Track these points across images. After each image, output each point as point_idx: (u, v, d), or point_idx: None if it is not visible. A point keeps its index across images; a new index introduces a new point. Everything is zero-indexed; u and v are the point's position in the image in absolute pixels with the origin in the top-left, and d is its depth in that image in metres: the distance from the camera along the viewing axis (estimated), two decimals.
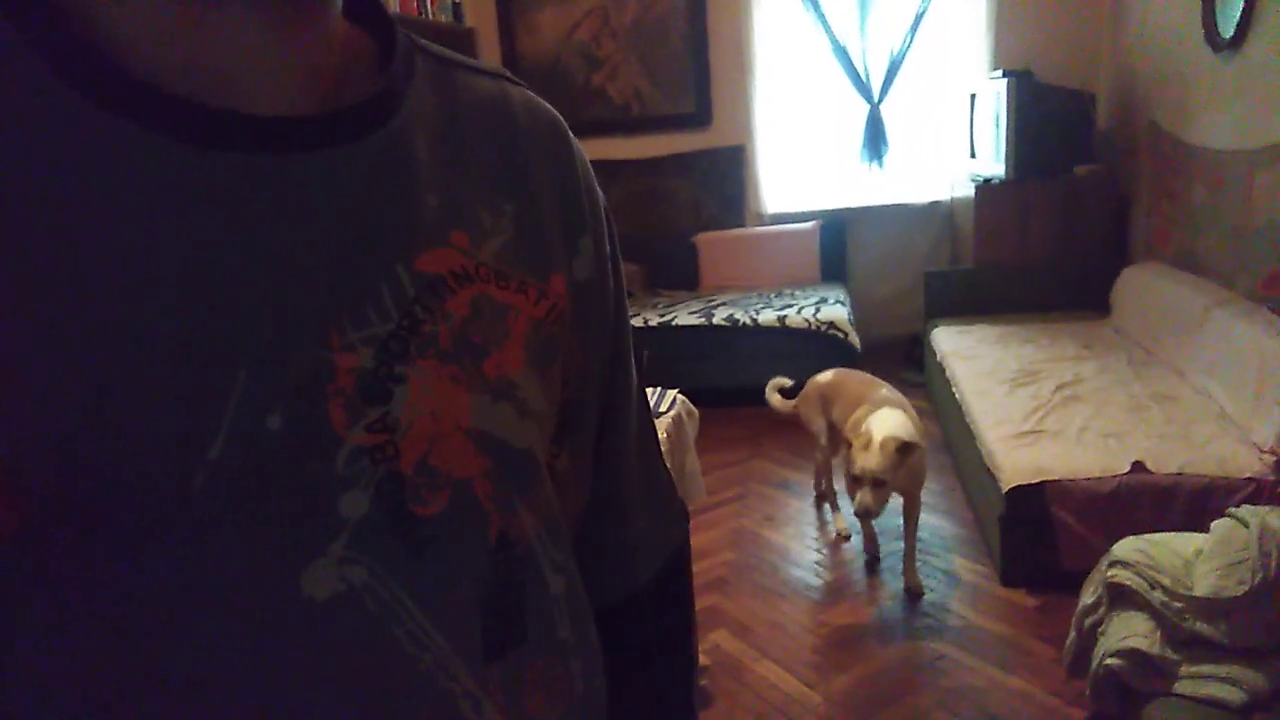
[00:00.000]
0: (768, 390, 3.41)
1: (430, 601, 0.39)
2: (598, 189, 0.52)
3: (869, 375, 3.09)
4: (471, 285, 0.41)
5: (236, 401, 0.34)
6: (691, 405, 2.54)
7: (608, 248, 0.51)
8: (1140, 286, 3.73)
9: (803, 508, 3.40)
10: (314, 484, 0.35)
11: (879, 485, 2.46)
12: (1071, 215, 4.09)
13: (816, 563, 2.99)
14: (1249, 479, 2.44)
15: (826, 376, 3.17)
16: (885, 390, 2.86)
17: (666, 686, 0.63)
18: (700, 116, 5.02)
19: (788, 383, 3.40)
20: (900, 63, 4.76)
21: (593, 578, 0.54)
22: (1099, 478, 2.55)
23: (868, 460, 2.45)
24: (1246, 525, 1.81)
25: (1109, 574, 1.89)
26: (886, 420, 2.56)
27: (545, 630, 0.45)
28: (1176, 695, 1.69)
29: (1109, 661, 1.77)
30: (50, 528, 0.32)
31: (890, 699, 2.27)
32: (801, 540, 3.16)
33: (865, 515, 2.50)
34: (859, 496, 2.47)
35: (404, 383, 0.38)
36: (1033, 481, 2.59)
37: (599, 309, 0.49)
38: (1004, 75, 4.00)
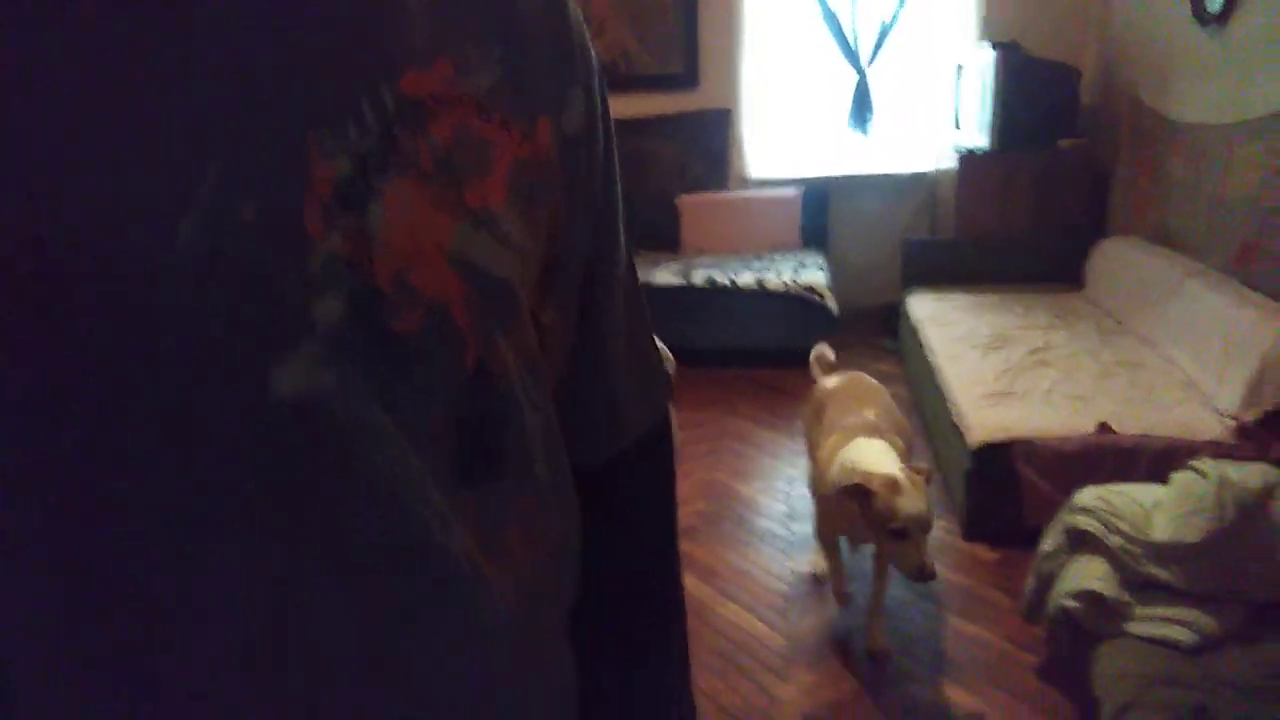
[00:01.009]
0: (812, 362, 2.78)
1: (403, 417, 0.38)
2: (590, 44, 0.51)
3: (875, 386, 2.49)
4: (454, 113, 0.40)
5: (209, 188, 0.33)
6: (668, 350, 2.55)
7: (598, 104, 0.50)
8: (1115, 259, 3.77)
9: (774, 464, 3.43)
10: (286, 282, 0.35)
11: (924, 533, 1.90)
12: (1052, 188, 4.12)
13: (784, 514, 3.02)
14: (1210, 441, 2.49)
15: (831, 383, 2.54)
16: (873, 414, 2.26)
17: (651, 548, 0.63)
18: (688, 78, 4.99)
19: (830, 356, 2.78)
20: (889, 31, 4.75)
21: (577, 437, 0.53)
22: (1065, 437, 2.59)
23: (917, 503, 1.87)
24: (1206, 476, 1.85)
25: (1070, 519, 1.93)
26: (872, 454, 2.04)
27: (522, 468, 0.45)
28: (1129, 635, 1.73)
29: (1065, 603, 1.82)
30: (14, 307, 0.31)
31: (848, 642, 2.31)
32: (770, 494, 3.19)
33: (929, 578, 1.89)
34: (914, 556, 1.85)
35: (381, 197, 0.37)
36: (1000, 439, 2.63)
37: (587, 165, 0.48)
38: (992, 46, 4.01)
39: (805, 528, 2.89)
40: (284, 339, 0.35)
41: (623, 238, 0.55)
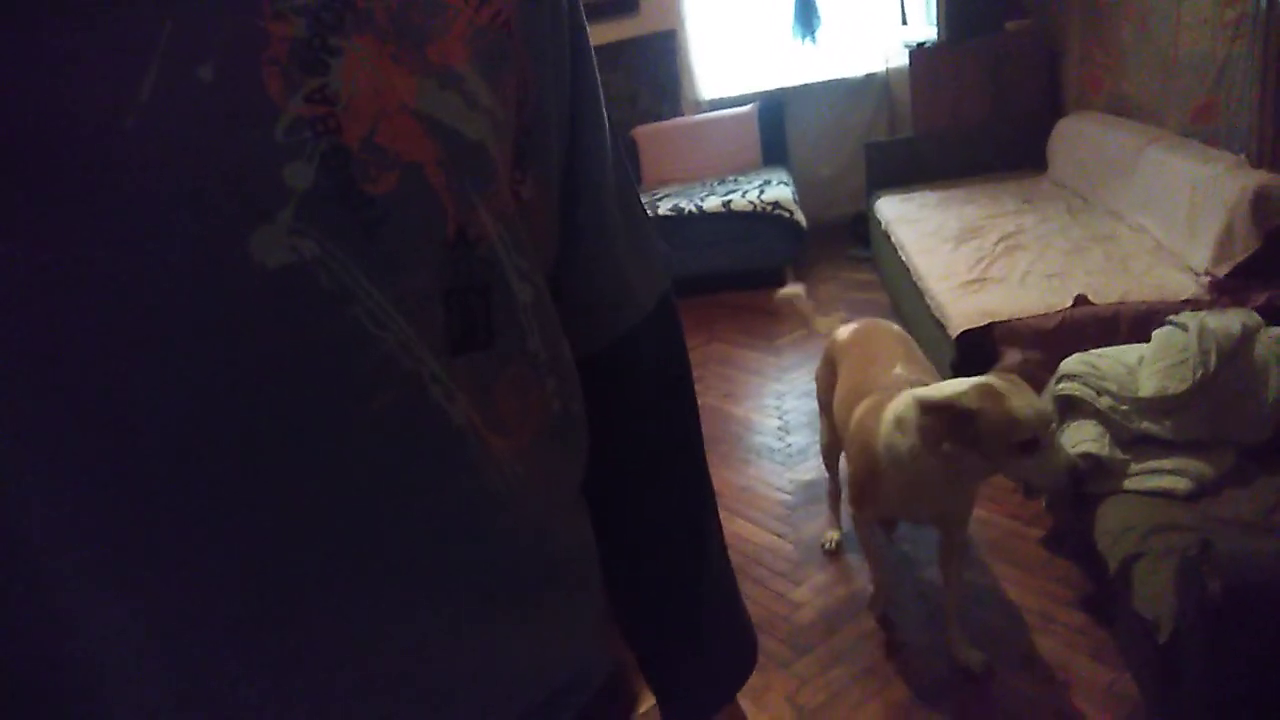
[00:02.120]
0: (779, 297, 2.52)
1: (388, 283, 0.38)
2: None
3: (896, 333, 2.11)
4: None
5: (164, 48, 0.33)
6: None
7: None
8: (1074, 137, 3.77)
9: (761, 382, 3.45)
10: (254, 149, 0.34)
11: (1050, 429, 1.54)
12: (1004, 73, 4.09)
13: (778, 428, 3.05)
14: (1186, 301, 2.52)
15: (846, 331, 2.17)
16: (903, 369, 1.88)
17: (671, 419, 0.61)
18: (628, 2, 4.87)
19: (799, 291, 2.54)
20: None
21: (582, 321, 0.53)
22: (1044, 314, 2.62)
23: (1032, 399, 1.52)
24: (1186, 329, 1.88)
25: (1058, 388, 1.95)
26: (943, 385, 1.66)
27: (515, 338, 0.44)
28: (1127, 492, 1.77)
29: None
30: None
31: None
32: (762, 411, 3.21)
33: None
34: (1058, 457, 1.49)
35: (340, 55, 0.36)
36: (980, 325, 2.65)
37: (551, 25, 0.47)
38: None
39: (800, 439, 2.92)
40: (260, 208, 0.34)
41: (603, 109, 0.53)
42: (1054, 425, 1.52)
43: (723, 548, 0.66)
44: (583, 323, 0.53)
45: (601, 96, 0.53)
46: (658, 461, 0.61)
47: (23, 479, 0.34)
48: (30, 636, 0.36)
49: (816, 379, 2.28)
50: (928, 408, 1.53)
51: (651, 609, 0.63)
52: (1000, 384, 1.53)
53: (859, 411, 1.82)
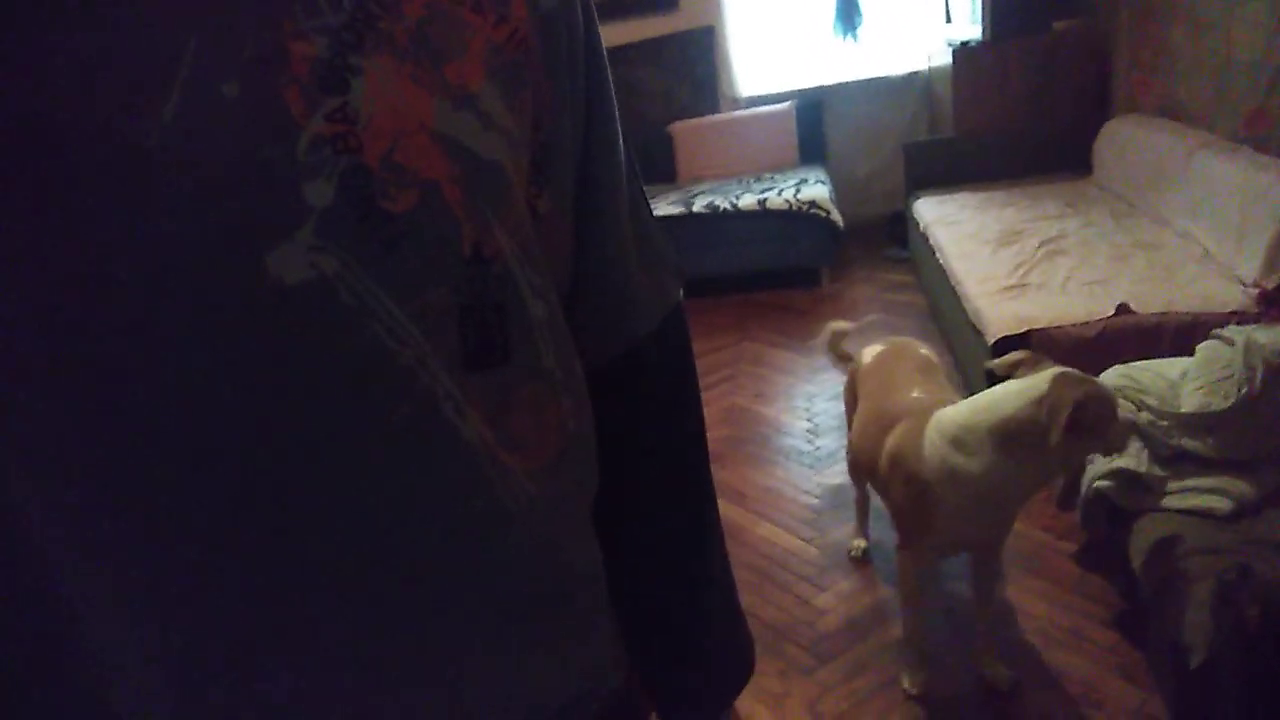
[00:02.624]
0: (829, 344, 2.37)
1: (406, 299, 0.38)
2: None
3: (924, 356, 2.04)
4: None
5: (189, 64, 0.33)
6: None
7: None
8: (1121, 140, 3.68)
9: (792, 383, 3.42)
10: (275, 167, 0.35)
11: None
12: (1051, 74, 4.00)
13: (808, 430, 3.02)
14: (1233, 313, 2.45)
15: (869, 355, 2.12)
16: (918, 391, 1.85)
17: (676, 437, 0.62)
18: None
19: (846, 326, 2.36)
20: None
21: (592, 332, 0.53)
22: (1084, 323, 2.56)
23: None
24: (1232, 343, 1.82)
25: None
26: (986, 398, 1.62)
27: (530, 355, 0.44)
28: (1164, 510, 1.73)
29: (1098, 484, 1.81)
30: (22, 197, 0.32)
31: (885, 545, 2.32)
32: (792, 413, 3.18)
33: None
34: (1123, 424, 1.53)
35: (361, 75, 0.37)
36: (1018, 331, 2.60)
37: (568, 45, 0.47)
38: None
39: (829, 442, 2.89)
40: (280, 225, 0.35)
41: (618, 125, 0.53)
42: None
43: (725, 559, 0.66)
44: (590, 336, 0.53)
45: (616, 110, 0.53)
46: (661, 475, 0.61)
47: (35, 489, 0.34)
48: (37, 651, 0.36)
49: (845, 396, 2.24)
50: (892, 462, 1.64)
51: (654, 622, 0.63)
52: (1069, 371, 1.53)
53: (891, 442, 1.75)
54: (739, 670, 0.68)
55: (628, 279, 0.56)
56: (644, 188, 0.59)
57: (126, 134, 0.33)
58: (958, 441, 1.60)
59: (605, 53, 0.51)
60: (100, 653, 0.37)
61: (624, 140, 0.55)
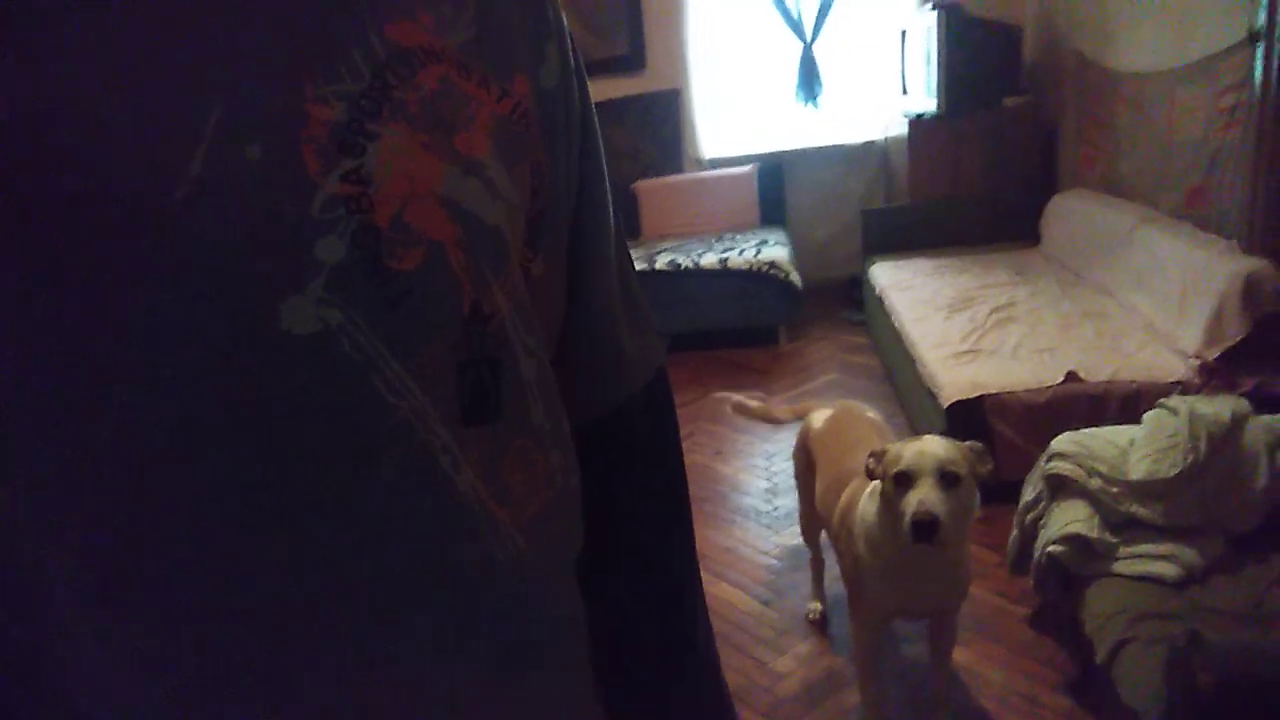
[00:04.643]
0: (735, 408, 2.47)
1: (407, 355, 0.40)
2: (558, 3, 0.52)
3: (870, 419, 2.09)
4: (440, 64, 0.42)
5: (214, 126, 0.35)
6: None
7: (571, 58, 0.52)
8: (1068, 212, 3.82)
9: (751, 442, 3.44)
10: (290, 223, 0.36)
11: (949, 481, 1.56)
12: (1001, 147, 4.16)
13: (766, 490, 3.03)
14: (1175, 382, 2.53)
15: (820, 419, 2.13)
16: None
17: (661, 496, 0.63)
18: (634, 60, 4.96)
19: (732, 396, 2.48)
20: (831, 1, 4.76)
21: (581, 391, 0.55)
22: (1034, 389, 2.62)
23: (926, 444, 1.60)
24: (1177, 413, 1.88)
25: (1048, 466, 1.95)
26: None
27: (521, 412, 0.46)
28: (1115, 575, 1.75)
29: (1051, 549, 1.83)
30: (39, 247, 0.33)
31: (842, 608, 2.32)
32: (751, 471, 3.19)
33: (927, 528, 1.50)
34: (913, 496, 1.53)
35: (377, 140, 0.38)
36: (971, 396, 2.65)
37: (564, 118, 0.50)
38: (933, 9, 4.03)
39: (788, 502, 2.90)
40: (292, 279, 0.36)
41: (608, 190, 0.56)
42: (945, 471, 1.56)
43: (707, 623, 0.66)
44: (580, 395, 0.55)
45: (606, 175, 0.56)
46: (645, 534, 0.62)
47: (33, 517, 0.35)
48: (23, 673, 0.37)
49: (794, 458, 2.27)
50: (871, 453, 1.66)
51: (633, 682, 0.63)
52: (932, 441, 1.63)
53: (841, 502, 1.81)
54: None
55: (616, 339, 0.58)
56: (626, 246, 0.60)
57: (151, 195, 0.34)
58: (872, 494, 1.68)
59: (597, 122, 0.54)
60: (88, 681, 0.37)
61: (612, 202, 0.57)
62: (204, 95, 0.35)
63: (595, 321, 0.56)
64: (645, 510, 0.62)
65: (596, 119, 0.54)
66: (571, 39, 0.53)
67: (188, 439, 0.36)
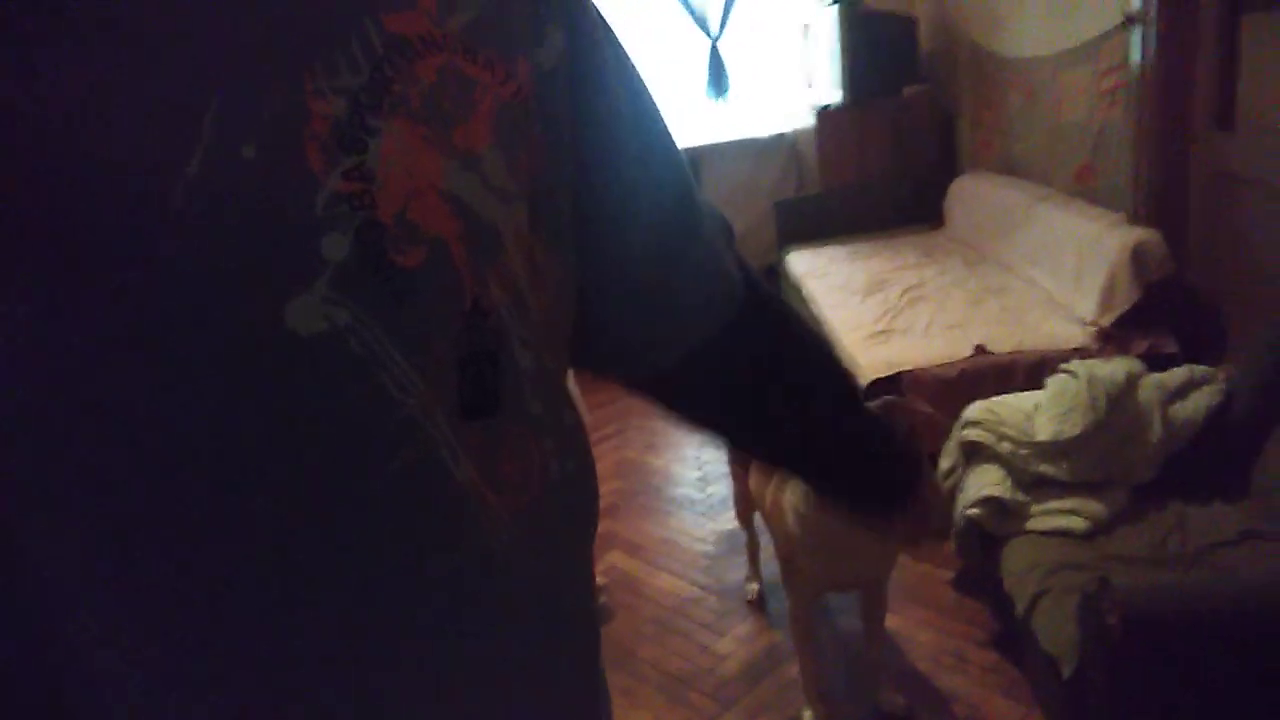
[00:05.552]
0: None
1: (412, 351, 0.40)
2: None
3: None
4: (439, 53, 0.41)
5: (211, 124, 0.34)
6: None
7: (581, 36, 0.51)
8: (969, 194, 3.99)
9: (681, 434, 3.49)
10: (293, 221, 0.36)
11: None
12: (904, 134, 4.31)
13: (699, 479, 3.08)
14: (1076, 349, 2.67)
15: None
16: None
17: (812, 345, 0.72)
18: None
19: None
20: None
21: (640, 342, 0.59)
22: (946, 364, 2.74)
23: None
24: (1077, 376, 1.99)
25: (963, 434, 2.04)
26: None
27: (517, 403, 0.46)
28: (1030, 533, 1.85)
29: (969, 512, 1.93)
30: (41, 252, 0.32)
31: (779, 587, 2.38)
32: (682, 462, 3.24)
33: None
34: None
35: (378, 136, 0.38)
36: (888, 374, 2.75)
37: (565, 99, 0.50)
38: (833, 3, 4.15)
39: (721, 489, 2.96)
40: (297, 278, 0.36)
41: (655, 147, 0.57)
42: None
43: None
44: (642, 343, 0.58)
45: (643, 127, 0.56)
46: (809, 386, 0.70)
47: (43, 526, 0.34)
48: (36, 688, 0.36)
49: (732, 472, 2.35)
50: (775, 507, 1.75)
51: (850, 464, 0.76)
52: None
53: (773, 483, 1.88)
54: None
55: (656, 302, 0.59)
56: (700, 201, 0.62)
57: (152, 197, 0.33)
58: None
59: (634, 86, 0.55)
60: (98, 692, 0.37)
61: (670, 162, 0.58)
62: (202, 94, 0.34)
63: (630, 284, 0.57)
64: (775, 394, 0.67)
65: (632, 83, 0.55)
66: (596, 25, 0.53)
67: (195, 442, 0.35)
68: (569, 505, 0.51)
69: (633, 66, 0.56)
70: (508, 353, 0.45)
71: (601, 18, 0.54)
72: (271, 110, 0.36)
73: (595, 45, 0.53)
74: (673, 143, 0.59)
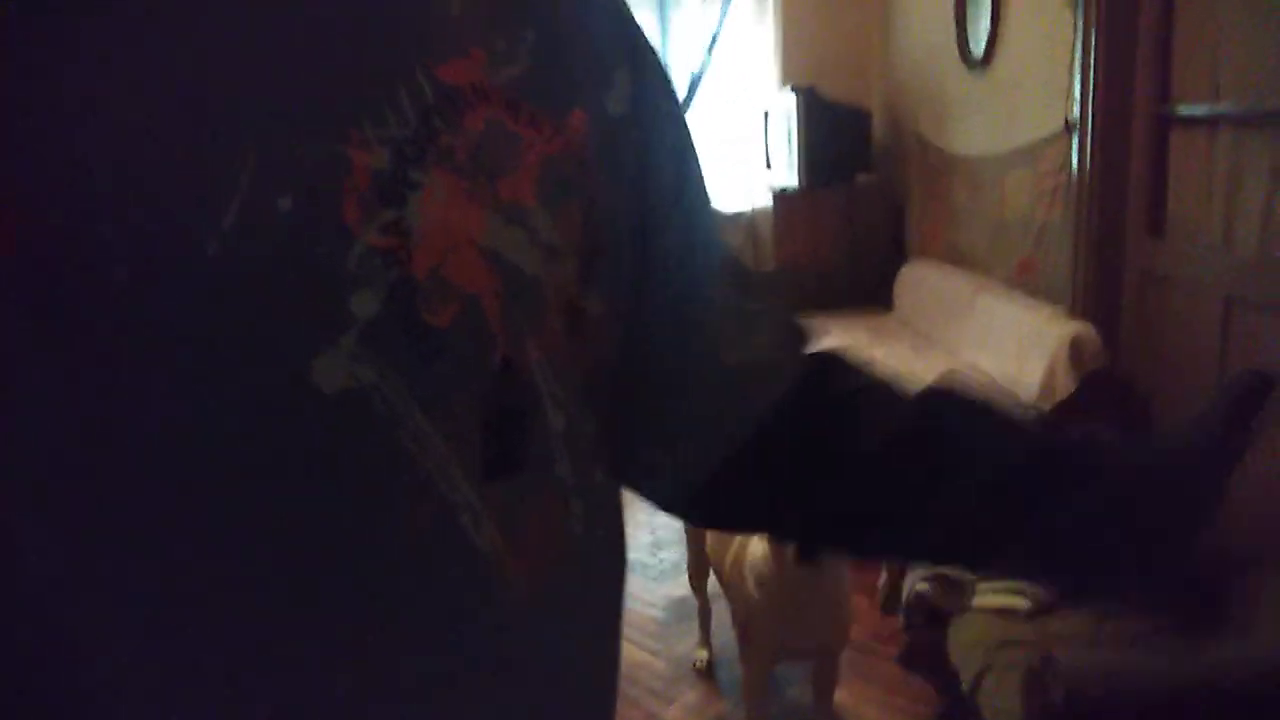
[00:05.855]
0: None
1: (435, 411, 0.38)
2: (639, 27, 0.51)
3: None
4: (488, 105, 0.40)
5: (249, 178, 0.34)
6: None
7: (650, 86, 0.50)
8: (916, 281, 4.16)
9: (633, 498, 3.49)
10: (325, 276, 0.35)
11: None
12: (856, 220, 4.50)
13: (650, 544, 3.09)
14: None
15: None
16: None
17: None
18: None
19: None
20: (699, 81, 5.04)
21: (711, 417, 0.55)
22: None
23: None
24: None
25: None
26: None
27: (543, 464, 0.44)
28: (975, 610, 1.91)
29: (918, 587, 1.98)
30: (70, 299, 0.32)
31: (728, 656, 2.40)
32: (634, 525, 3.24)
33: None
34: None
35: (419, 189, 0.37)
36: None
37: (640, 146, 0.48)
38: (792, 91, 4.36)
39: (672, 555, 2.97)
40: (325, 334, 0.35)
41: (706, 210, 0.56)
42: None
43: None
44: (710, 421, 0.55)
45: (702, 191, 0.55)
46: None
47: (56, 555, 0.33)
48: (34, 682, 0.34)
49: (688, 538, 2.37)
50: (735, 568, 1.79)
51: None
52: None
53: (734, 546, 1.91)
54: None
55: (747, 345, 0.57)
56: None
57: (186, 249, 0.33)
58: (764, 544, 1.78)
59: (696, 158, 0.54)
60: (97, 695, 0.35)
61: (712, 225, 0.56)
62: (241, 144, 0.34)
63: (691, 350, 0.54)
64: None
65: (692, 148, 0.54)
66: (660, 73, 0.51)
67: (211, 489, 0.35)
68: (592, 572, 0.49)
69: (686, 124, 0.55)
70: (538, 412, 0.43)
71: (663, 67, 0.53)
72: (314, 159, 0.35)
73: (671, 98, 0.52)
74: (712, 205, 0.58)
